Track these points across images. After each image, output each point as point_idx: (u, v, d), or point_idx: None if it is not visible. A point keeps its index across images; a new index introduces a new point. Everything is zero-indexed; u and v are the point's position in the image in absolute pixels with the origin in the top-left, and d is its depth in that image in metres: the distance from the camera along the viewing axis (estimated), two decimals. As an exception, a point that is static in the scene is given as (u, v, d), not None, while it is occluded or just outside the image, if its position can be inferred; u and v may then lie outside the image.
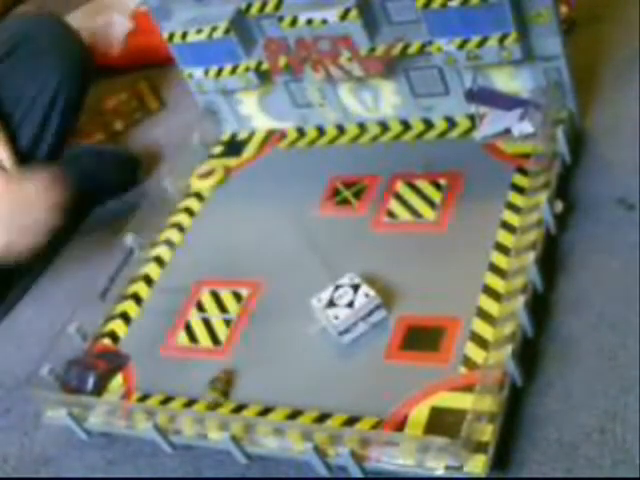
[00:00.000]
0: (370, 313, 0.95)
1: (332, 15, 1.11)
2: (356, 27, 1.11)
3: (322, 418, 0.89)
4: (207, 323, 1.06)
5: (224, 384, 0.96)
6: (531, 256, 0.93)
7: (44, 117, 1.33)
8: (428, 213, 1.08)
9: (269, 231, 1.16)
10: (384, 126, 1.25)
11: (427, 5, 1.04)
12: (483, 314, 0.92)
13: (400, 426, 0.85)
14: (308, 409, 0.90)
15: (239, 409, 0.93)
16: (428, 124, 1.22)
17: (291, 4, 1.15)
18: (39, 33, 1.32)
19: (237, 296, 1.08)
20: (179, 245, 1.21)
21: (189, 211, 1.26)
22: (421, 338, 0.93)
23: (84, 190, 1.43)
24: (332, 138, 1.28)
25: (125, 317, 1.12)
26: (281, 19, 1.15)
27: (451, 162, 1.14)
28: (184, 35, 1.23)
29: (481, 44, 1.05)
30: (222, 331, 1.04)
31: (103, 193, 1.44)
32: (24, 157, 1.33)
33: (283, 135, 1.33)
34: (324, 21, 1.12)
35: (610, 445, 0.80)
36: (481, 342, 0.89)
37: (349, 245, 1.09)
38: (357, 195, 1.16)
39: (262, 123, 1.35)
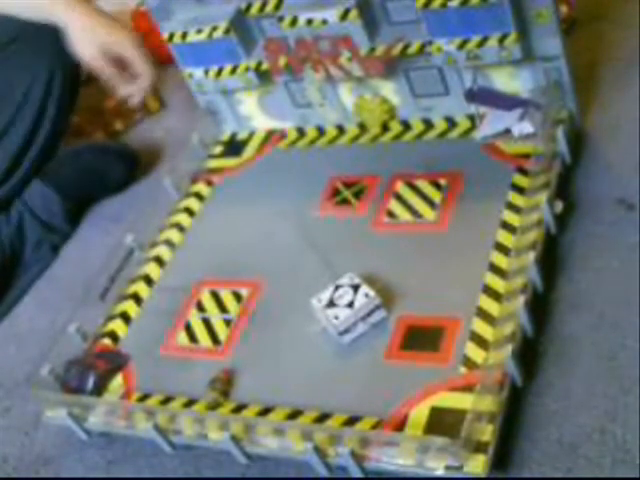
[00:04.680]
0: (370, 313, 0.95)
1: (332, 15, 1.11)
2: (356, 27, 1.11)
3: (322, 418, 0.89)
4: (207, 323, 1.06)
5: (224, 384, 0.96)
6: (531, 256, 0.93)
7: (39, 112, 1.33)
8: (428, 213, 1.08)
9: (269, 231, 1.16)
10: (384, 126, 1.25)
11: (427, 5, 1.04)
12: (483, 314, 0.92)
13: (400, 426, 0.85)
14: (308, 409, 0.90)
15: (239, 409, 0.93)
16: (428, 124, 1.22)
17: (291, 4, 1.15)
18: (29, 28, 1.32)
19: (237, 296, 1.08)
20: (179, 245, 1.21)
21: (189, 211, 1.26)
22: (421, 338, 0.93)
23: (84, 186, 1.43)
24: (332, 138, 1.28)
25: (125, 317, 1.12)
26: (281, 19, 1.15)
27: (451, 162, 1.14)
28: (184, 35, 1.23)
29: (481, 44, 1.05)
30: (222, 331, 1.04)
31: (103, 189, 1.45)
32: (18, 152, 1.33)
33: (283, 135, 1.33)
34: (324, 21, 1.12)
35: (610, 445, 0.80)
36: (481, 342, 0.89)
37: (349, 245, 1.09)
38: (357, 195, 1.16)
39: (262, 123, 1.35)
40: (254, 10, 1.19)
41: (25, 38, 1.31)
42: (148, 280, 1.16)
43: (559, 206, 1.00)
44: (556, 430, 0.83)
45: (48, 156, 1.37)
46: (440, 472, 0.80)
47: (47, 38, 1.30)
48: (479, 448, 0.79)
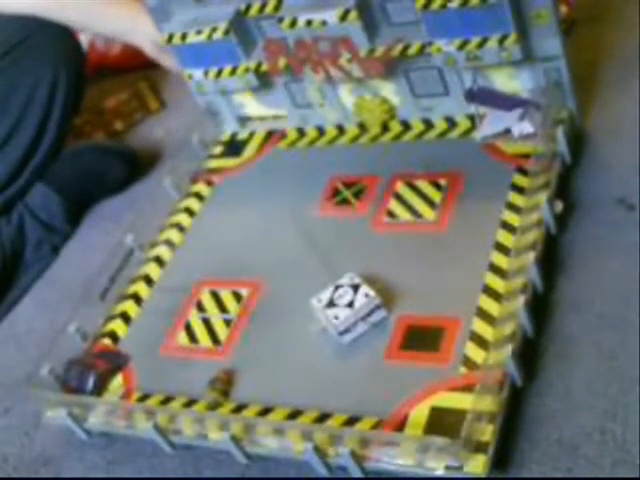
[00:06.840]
0: (370, 313, 0.95)
1: (332, 16, 1.11)
2: (356, 28, 1.11)
3: (322, 418, 0.89)
4: (207, 323, 1.06)
5: (224, 384, 0.96)
6: (531, 256, 0.93)
7: (44, 116, 1.33)
8: (428, 213, 1.08)
9: (269, 231, 1.16)
10: (384, 126, 1.25)
11: (427, 6, 1.04)
12: (483, 314, 0.92)
13: (400, 426, 0.85)
14: (308, 409, 0.90)
15: (239, 409, 0.93)
16: (428, 124, 1.22)
17: (291, 5, 1.15)
18: (34, 31, 1.32)
19: (237, 296, 1.08)
20: (179, 245, 1.21)
21: (189, 211, 1.26)
22: (421, 338, 0.93)
23: (84, 186, 1.43)
24: (332, 138, 1.28)
25: (125, 317, 1.12)
26: (281, 20, 1.15)
27: (451, 162, 1.14)
28: (184, 36, 1.23)
29: (481, 45, 1.05)
30: (222, 331, 1.04)
31: (103, 189, 1.45)
32: (24, 155, 1.33)
33: (283, 135, 1.33)
34: (324, 22, 1.12)
35: (610, 445, 0.80)
36: (481, 342, 0.89)
37: (349, 245, 1.09)
38: (357, 195, 1.16)
39: (262, 123, 1.35)
40: (253, 11, 1.19)
41: (29, 41, 1.31)
42: (148, 280, 1.16)
43: (559, 206, 1.00)
44: (556, 430, 0.83)
45: (52, 159, 1.37)
46: (440, 472, 0.80)
47: (51, 41, 1.30)
48: (479, 448, 0.79)
